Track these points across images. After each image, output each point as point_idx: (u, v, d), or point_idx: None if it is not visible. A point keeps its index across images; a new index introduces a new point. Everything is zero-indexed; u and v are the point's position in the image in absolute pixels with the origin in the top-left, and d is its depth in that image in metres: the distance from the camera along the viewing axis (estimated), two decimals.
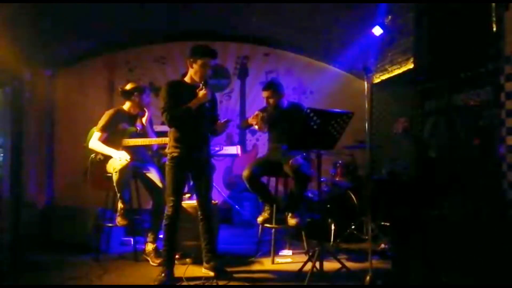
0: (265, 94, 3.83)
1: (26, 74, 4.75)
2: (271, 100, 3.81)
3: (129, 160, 3.54)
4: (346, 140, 4.07)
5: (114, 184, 3.50)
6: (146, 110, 3.87)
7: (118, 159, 3.54)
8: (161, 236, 3.32)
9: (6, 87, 4.42)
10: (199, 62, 3.09)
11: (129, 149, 3.68)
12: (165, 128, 3.53)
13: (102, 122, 3.73)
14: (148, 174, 3.72)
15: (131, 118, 3.83)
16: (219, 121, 3.19)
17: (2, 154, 4.36)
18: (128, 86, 3.83)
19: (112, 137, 3.72)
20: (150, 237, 3.70)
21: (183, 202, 3.35)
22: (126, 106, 3.85)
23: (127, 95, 3.81)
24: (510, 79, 3.15)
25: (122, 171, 3.46)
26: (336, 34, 5.01)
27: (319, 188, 3.32)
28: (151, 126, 3.95)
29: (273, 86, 3.81)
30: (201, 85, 3.08)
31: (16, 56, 4.02)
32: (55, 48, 5.02)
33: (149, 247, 3.65)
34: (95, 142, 3.68)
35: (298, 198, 3.63)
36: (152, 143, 3.80)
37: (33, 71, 4.88)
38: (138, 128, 3.81)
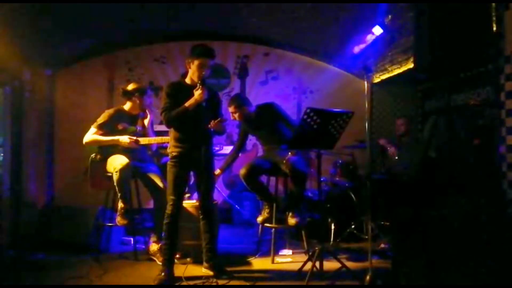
0: (230, 109, 3.87)
1: (26, 74, 4.75)
2: (236, 115, 3.84)
3: (128, 156, 3.55)
4: (346, 140, 4.07)
5: (115, 183, 3.50)
6: (148, 112, 3.86)
7: (126, 140, 3.57)
8: None
9: (6, 87, 4.42)
10: (196, 62, 3.09)
11: (129, 149, 3.67)
12: (164, 128, 3.53)
13: (100, 119, 3.72)
14: (149, 174, 3.71)
15: (132, 119, 3.82)
16: (212, 121, 3.09)
17: (2, 154, 4.36)
18: (130, 87, 3.81)
19: (111, 136, 3.71)
20: (154, 237, 3.70)
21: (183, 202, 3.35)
22: (127, 106, 3.84)
23: (128, 95, 3.80)
24: (510, 79, 3.15)
25: (122, 170, 3.46)
26: (336, 34, 5.01)
27: (319, 188, 3.32)
28: (152, 127, 3.94)
29: (233, 102, 3.84)
30: (198, 84, 3.08)
31: (16, 55, 4.03)
32: (55, 48, 5.02)
33: (154, 247, 3.65)
34: (91, 136, 3.67)
35: (298, 197, 3.62)
36: (152, 142, 3.79)
37: (33, 70, 4.87)
38: (138, 129, 3.81)
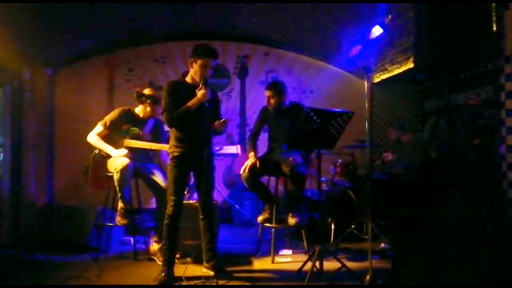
0: (267, 93, 3.84)
1: (26, 74, 4.74)
2: (272, 100, 3.81)
3: (129, 157, 3.54)
4: (346, 140, 4.06)
5: (115, 183, 3.50)
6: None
7: (120, 154, 3.54)
8: None
9: (6, 87, 4.42)
10: (199, 62, 3.09)
11: (130, 149, 3.66)
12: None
13: (108, 117, 3.71)
14: (151, 175, 3.71)
15: (139, 122, 3.79)
16: (217, 121, 3.14)
17: (2, 154, 4.36)
18: (146, 91, 3.78)
19: (114, 135, 3.71)
20: (155, 237, 3.70)
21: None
22: (138, 109, 3.82)
23: (140, 98, 3.77)
24: (510, 79, 3.15)
25: (123, 170, 3.46)
26: (336, 34, 5.01)
27: (319, 188, 3.32)
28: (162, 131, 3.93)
29: (275, 87, 3.81)
30: (200, 84, 3.08)
31: (16, 55, 4.02)
32: (55, 47, 5.02)
33: (155, 247, 3.65)
34: (94, 137, 3.67)
35: (296, 197, 3.62)
36: (153, 147, 3.74)
37: (33, 70, 4.87)
38: (141, 132, 3.78)
